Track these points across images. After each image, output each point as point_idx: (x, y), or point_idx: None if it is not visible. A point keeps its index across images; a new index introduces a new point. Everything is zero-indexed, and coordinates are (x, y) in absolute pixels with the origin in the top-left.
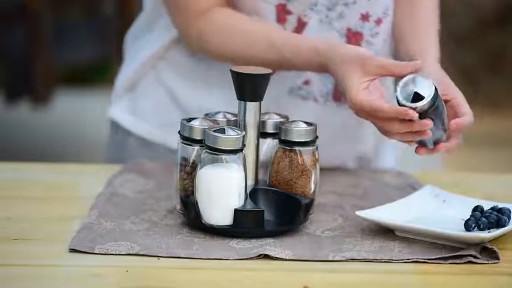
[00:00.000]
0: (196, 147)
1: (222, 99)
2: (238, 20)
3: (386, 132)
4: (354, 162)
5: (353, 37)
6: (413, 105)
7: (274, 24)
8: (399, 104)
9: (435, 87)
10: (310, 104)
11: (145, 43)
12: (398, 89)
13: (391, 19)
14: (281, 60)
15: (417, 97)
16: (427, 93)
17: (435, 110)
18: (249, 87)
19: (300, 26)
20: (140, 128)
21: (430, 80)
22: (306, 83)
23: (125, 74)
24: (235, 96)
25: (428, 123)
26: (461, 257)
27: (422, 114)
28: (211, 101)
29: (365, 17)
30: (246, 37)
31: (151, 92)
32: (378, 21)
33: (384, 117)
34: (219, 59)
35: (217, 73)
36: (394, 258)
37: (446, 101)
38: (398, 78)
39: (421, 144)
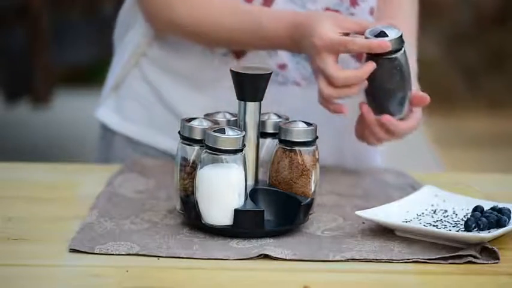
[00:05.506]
0: (196, 147)
1: (205, 95)
2: None
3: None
4: (341, 154)
5: None
6: (381, 39)
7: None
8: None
9: (402, 34)
10: (291, 89)
11: (127, 41)
12: (368, 31)
13: (372, 5)
14: (255, 27)
15: (384, 36)
16: (394, 34)
17: (401, 62)
18: (249, 87)
19: (268, 1)
20: (125, 127)
21: (399, 30)
22: (282, 67)
23: (111, 74)
24: (217, 91)
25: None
26: (461, 257)
27: (390, 64)
28: (196, 97)
29: None
30: (216, 6)
31: (136, 91)
32: (353, 2)
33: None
34: (186, 31)
35: (199, 68)
36: (394, 258)
37: None
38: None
39: (384, 108)
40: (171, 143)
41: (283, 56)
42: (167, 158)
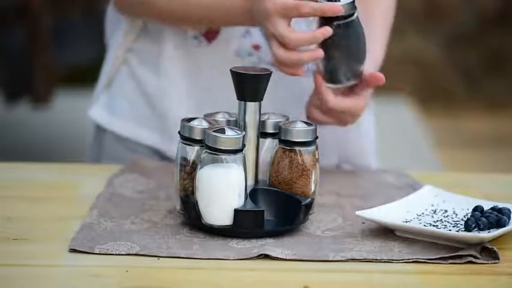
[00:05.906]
0: (196, 147)
1: (185, 89)
2: None
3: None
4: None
5: None
6: (333, 3)
7: None
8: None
9: (355, 0)
10: None
11: (115, 38)
12: None
13: None
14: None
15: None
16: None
17: (354, 28)
18: (249, 87)
19: None
20: (114, 124)
21: None
22: (256, 47)
23: (103, 73)
24: (200, 85)
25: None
26: (461, 257)
27: (342, 30)
28: (178, 92)
29: None
30: None
31: (125, 87)
32: None
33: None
34: (151, 8)
35: (177, 58)
36: (394, 258)
37: None
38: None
39: (335, 77)
40: (155, 139)
41: (257, 36)
42: (152, 154)
